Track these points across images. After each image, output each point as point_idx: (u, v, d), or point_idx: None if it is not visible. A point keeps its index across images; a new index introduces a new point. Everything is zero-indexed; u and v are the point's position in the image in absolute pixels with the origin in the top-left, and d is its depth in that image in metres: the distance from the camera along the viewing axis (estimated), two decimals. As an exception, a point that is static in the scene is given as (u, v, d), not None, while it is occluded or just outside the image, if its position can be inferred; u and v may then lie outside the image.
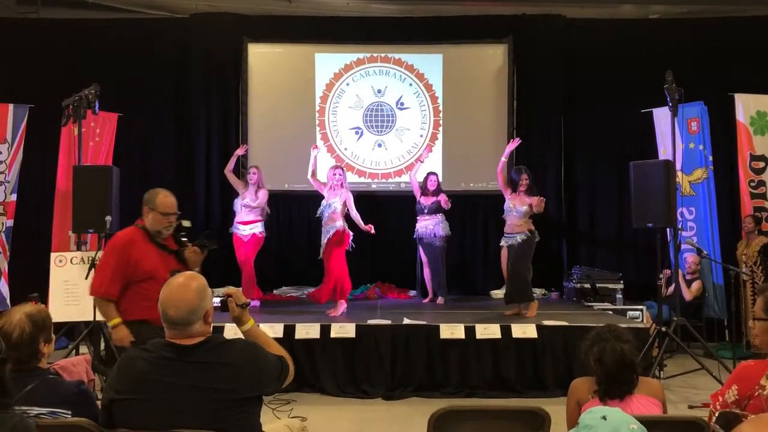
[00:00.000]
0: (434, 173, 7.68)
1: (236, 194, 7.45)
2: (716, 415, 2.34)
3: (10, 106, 7.28)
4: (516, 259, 6.50)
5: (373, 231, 6.86)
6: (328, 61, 8.82)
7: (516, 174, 6.70)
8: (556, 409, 2.76)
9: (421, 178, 7.65)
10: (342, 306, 6.58)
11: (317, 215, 6.84)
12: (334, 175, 6.81)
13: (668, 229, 6.51)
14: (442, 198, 7.38)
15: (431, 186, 7.50)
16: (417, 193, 7.56)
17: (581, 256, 8.64)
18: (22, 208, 7.49)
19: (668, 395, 3.57)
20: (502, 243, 6.70)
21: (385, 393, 5.59)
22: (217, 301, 2.39)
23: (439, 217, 7.45)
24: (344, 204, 6.74)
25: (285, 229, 8.54)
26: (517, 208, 6.51)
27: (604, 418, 1.90)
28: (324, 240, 6.70)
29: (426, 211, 7.46)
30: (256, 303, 7.20)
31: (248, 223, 7.20)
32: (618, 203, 8.52)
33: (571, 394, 2.83)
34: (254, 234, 7.19)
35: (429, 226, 7.43)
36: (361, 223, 6.84)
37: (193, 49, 8.61)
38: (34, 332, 2.43)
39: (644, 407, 2.63)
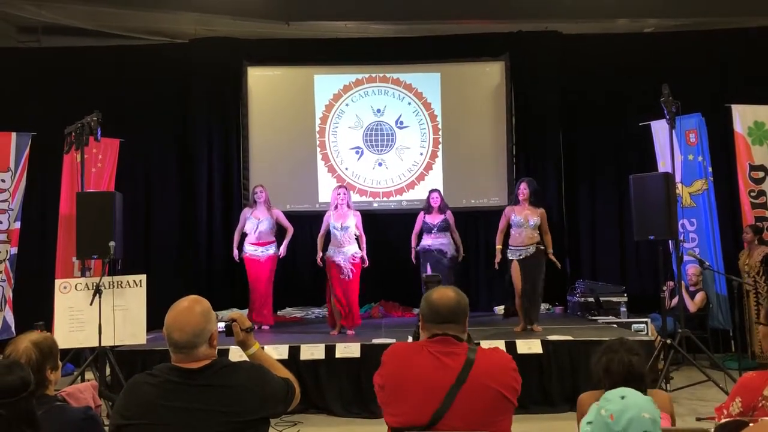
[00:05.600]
0: (436, 190, 7.66)
1: (238, 216, 7.51)
2: (713, 428, 2.35)
3: (13, 135, 7.31)
4: (536, 277, 6.49)
5: (366, 264, 6.85)
6: (327, 82, 8.89)
7: (516, 186, 6.75)
8: (564, 424, 2.78)
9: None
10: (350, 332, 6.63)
11: (333, 231, 6.77)
12: (339, 194, 6.82)
13: (670, 241, 6.52)
14: (450, 217, 7.39)
15: (434, 203, 7.43)
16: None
17: (584, 270, 8.63)
18: (26, 235, 7.50)
19: (675, 407, 3.56)
20: (513, 256, 6.58)
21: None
22: (221, 326, 2.39)
23: (448, 236, 7.41)
24: (356, 226, 6.77)
25: (288, 249, 8.58)
26: (530, 220, 6.50)
27: (623, 397, 1.94)
28: (339, 262, 6.68)
29: (435, 229, 7.35)
30: (266, 327, 7.18)
31: (264, 244, 7.21)
32: (619, 216, 8.55)
33: (579, 408, 2.84)
34: (270, 255, 7.21)
35: (438, 243, 7.34)
36: (365, 246, 6.87)
37: (193, 74, 8.69)
38: (40, 360, 2.45)
39: None
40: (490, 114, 8.84)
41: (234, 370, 2.24)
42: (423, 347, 2.41)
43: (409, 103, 8.89)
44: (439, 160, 8.83)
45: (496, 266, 6.83)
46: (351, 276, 6.69)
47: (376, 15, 8.70)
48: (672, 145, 6.33)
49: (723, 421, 2.34)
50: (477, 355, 2.37)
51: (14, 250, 7.27)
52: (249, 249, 7.22)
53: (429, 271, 7.30)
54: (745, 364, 6.42)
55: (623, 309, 7.44)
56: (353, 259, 6.71)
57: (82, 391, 3.38)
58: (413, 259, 7.55)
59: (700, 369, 5.82)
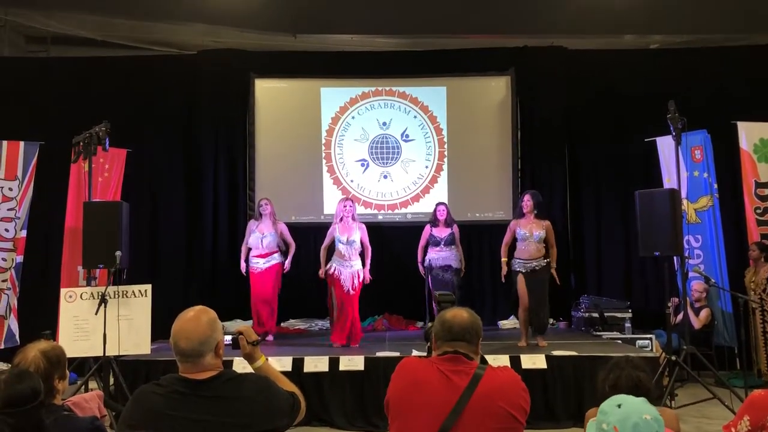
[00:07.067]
0: (443, 203, 7.66)
1: (244, 227, 7.52)
2: None
3: (21, 144, 7.35)
4: (541, 293, 6.48)
5: (368, 281, 6.83)
6: (333, 95, 8.93)
7: (520, 199, 6.76)
8: (567, 440, 2.76)
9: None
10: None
11: (338, 245, 6.77)
12: (345, 207, 6.81)
13: (675, 258, 6.51)
14: (456, 231, 7.38)
15: (441, 216, 7.43)
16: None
17: (589, 285, 8.61)
18: (32, 244, 7.52)
19: (681, 425, 3.55)
20: (519, 269, 6.55)
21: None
22: (228, 338, 2.40)
23: (454, 250, 7.40)
24: (361, 239, 6.77)
25: (292, 261, 8.59)
26: (535, 233, 6.49)
27: (619, 406, 1.94)
28: (343, 276, 6.67)
29: (442, 243, 7.34)
30: (270, 338, 7.17)
31: (266, 255, 7.22)
32: (624, 232, 8.54)
33: (587, 425, 2.83)
34: (273, 265, 7.22)
35: (443, 257, 7.34)
36: (369, 259, 6.85)
37: (201, 85, 8.73)
38: (49, 369, 2.46)
39: None
40: (496, 128, 8.86)
41: (241, 381, 2.25)
42: (432, 364, 2.41)
43: (415, 117, 8.92)
44: (444, 174, 8.85)
45: (503, 279, 6.81)
46: (353, 292, 6.68)
47: (382, 29, 8.76)
48: (678, 161, 6.33)
49: None
50: (485, 374, 2.34)
51: (20, 258, 7.29)
52: (253, 261, 7.25)
53: (432, 285, 7.31)
54: (751, 382, 6.38)
55: (628, 325, 7.43)
56: (357, 277, 6.70)
57: (88, 401, 3.37)
58: (422, 273, 7.55)
59: (705, 386, 5.78)
